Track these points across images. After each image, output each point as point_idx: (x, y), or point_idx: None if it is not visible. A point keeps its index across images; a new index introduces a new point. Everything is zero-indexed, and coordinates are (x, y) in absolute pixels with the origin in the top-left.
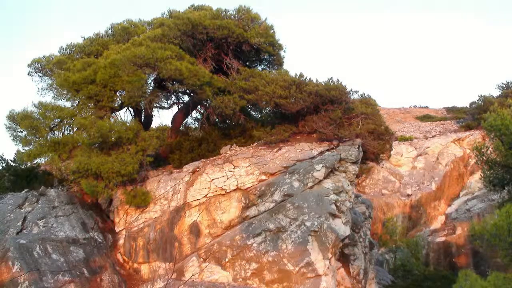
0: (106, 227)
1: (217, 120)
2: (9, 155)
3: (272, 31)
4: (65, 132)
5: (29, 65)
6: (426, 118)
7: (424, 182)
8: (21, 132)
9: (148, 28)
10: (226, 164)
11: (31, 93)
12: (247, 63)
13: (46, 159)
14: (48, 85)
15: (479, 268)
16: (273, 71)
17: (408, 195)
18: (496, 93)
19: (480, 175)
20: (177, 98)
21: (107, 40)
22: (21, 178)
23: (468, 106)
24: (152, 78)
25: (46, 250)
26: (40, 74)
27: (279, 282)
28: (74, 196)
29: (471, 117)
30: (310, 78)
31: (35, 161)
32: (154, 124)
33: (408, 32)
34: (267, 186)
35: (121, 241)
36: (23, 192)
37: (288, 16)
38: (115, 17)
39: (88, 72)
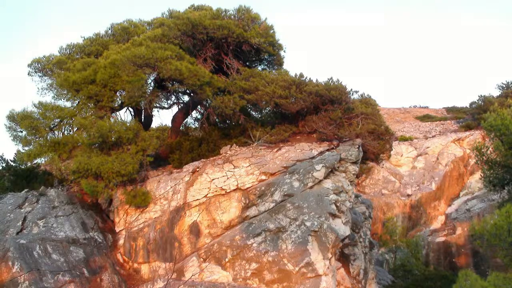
0: (106, 227)
1: (217, 120)
2: (9, 155)
3: (272, 31)
4: (65, 132)
5: (29, 65)
6: (426, 118)
7: (424, 182)
8: (21, 132)
9: (148, 28)
10: (226, 164)
11: (31, 93)
12: (247, 63)
13: (46, 159)
14: (48, 85)
15: (479, 268)
16: (273, 71)
17: (408, 195)
18: (496, 93)
19: (480, 175)
20: (177, 98)
21: (107, 40)
22: (21, 178)
23: (468, 106)
24: (152, 78)
25: (46, 250)
26: (40, 74)
27: (279, 282)
28: (74, 196)
29: (471, 117)
30: (310, 78)
31: (35, 161)
32: (154, 124)
33: (408, 32)
34: (267, 186)
35: (121, 241)
36: (23, 192)
37: (287, 16)
38: (115, 17)
39: (88, 72)
